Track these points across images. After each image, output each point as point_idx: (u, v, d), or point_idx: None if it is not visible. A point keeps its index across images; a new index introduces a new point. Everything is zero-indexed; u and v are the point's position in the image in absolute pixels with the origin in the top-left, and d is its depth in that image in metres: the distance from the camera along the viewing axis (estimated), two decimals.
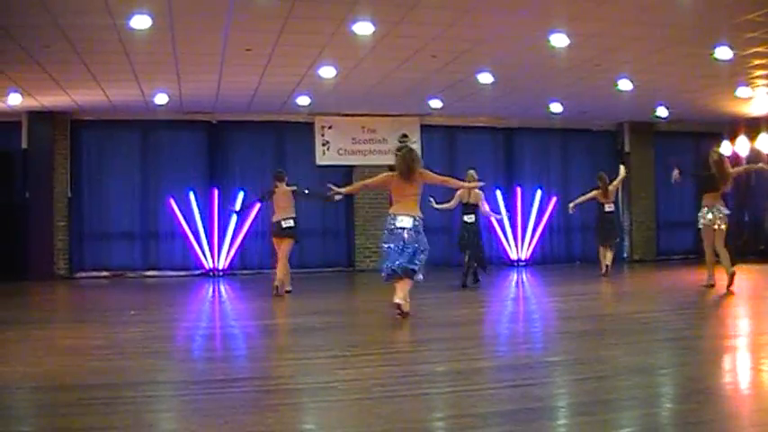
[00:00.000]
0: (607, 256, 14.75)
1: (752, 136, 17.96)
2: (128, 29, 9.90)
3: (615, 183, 15.09)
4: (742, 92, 14.86)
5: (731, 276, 11.09)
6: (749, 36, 10.84)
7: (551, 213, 18.86)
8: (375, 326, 8.99)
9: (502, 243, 18.49)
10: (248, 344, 8.11)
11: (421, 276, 8.96)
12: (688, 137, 19.71)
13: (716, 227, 11.39)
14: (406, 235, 8.86)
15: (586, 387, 5.44)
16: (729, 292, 10.89)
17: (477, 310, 10.51)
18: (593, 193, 14.99)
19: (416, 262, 8.81)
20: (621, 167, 15.52)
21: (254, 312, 10.84)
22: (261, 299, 12.11)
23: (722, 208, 11.53)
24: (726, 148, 18.60)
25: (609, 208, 15.06)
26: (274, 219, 12.32)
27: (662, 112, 17.31)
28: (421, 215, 9.15)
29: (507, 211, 17.97)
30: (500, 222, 18.17)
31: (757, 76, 13.59)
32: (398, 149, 9.85)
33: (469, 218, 13.22)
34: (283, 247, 12.19)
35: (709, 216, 11.45)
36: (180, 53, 11.42)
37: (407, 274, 8.79)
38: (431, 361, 6.55)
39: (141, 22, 9.65)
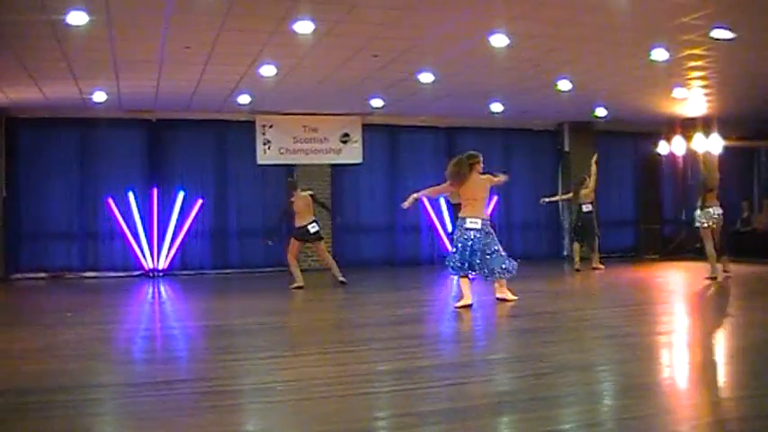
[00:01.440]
0: (581, 252, 15.66)
1: (688, 136, 18.30)
2: (64, 25, 9.74)
3: (591, 183, 15.85)
4: (678, 93, 15.12)
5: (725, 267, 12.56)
6: (685, 38, 11.03)
7: (493, 212, 18.97)
8: (316, 326, 8.98)
9: (443, 241, 18.57)
10: (188, 345, 8.04)
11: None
12: (626, 137, 20.04)
13: (714, 225, 12.40)
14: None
15: (525, 384, 5.50)
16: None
17: (420, 309, 10.55)
18: (570, 196, 16.04)
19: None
20: (593, 163, 16.03)
21: (194, 313, 10.75)
22: (202, 300, 12.03)
23: (718, 207, 12.49)
24: (663, 147, 18.97)
25: (586, 208, 15.59)
26: (299, 224, 13.11)
27: (601, 112, 17.54)
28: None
29: (449, 210, 18.16)
30: (441, 221, 18.29)
31: (693, 78, 13.84)
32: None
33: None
34: (319, 251, 13.67)
35: (714, 214, 12.36)
36: (118, 50, 11.26)
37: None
38: (372, 360, 6.55)
39: (78, 18, 9.48)
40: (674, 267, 15.97)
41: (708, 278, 12.33)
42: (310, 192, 13.44)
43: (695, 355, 6.69)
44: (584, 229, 15.79)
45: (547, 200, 16.27)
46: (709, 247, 12.34)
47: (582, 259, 15.58)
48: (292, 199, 13.11)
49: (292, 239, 13.26)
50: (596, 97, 15.97)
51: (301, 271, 13.14)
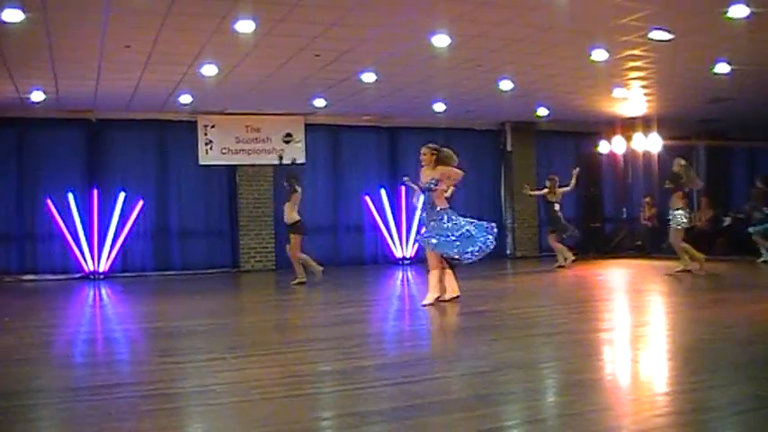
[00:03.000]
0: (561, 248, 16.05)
1: (628, 135, 18.60)
2: None
3: (569, 188, 16.38)
4: (618, 93, 15.36)
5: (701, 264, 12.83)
6: (623, 39, 11.21)
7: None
8: (257, 328, 8.93)
9: (386, 242, 18.62)
10: (129, 348, 7.94)
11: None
12: (568, 136, 20.30)
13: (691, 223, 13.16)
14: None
15: (466, 382, 5.53)
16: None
17: (362, 309, 10.55)
18: (545, 191, 16.31)
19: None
20: (574, 175, 16.44)
21: (135, 316, 10.62)
22: (142, 302, 11.89)
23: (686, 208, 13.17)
24: (604, 147, 19.24)
25: (557, 207, 16.15)
26: (298, 218, 13.36)
27: (542, 111, 17.73)
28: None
29: (392, 209, 18.29)
30: (384, 221, 18.35)
31: (632, 78, 14.07)
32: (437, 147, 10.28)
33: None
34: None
35: (688, 215, 13.15)
36: (56, 49, 11.08)
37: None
38: (313, 361, 6.53)
39: (13, 15, 9.31)
40: (616, 265, 16.21)
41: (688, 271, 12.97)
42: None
43: (635, 352, 6.79)
44: (554, 226, 16.16)
45: (531, 192, 16.82)
46: (683, 246, 12.97)
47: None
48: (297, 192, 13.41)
49: (294, 236, 13.32)
50: (538, 97, 16.14)
51: (246, 271, 13.17)
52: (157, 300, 12.17)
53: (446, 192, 10.33)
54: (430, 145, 10.20)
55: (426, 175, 9.99)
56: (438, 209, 9.88)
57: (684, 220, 12.83)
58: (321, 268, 13.40)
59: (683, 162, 13.31)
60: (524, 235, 19.92)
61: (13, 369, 6.41)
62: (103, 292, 13.96)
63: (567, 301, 10.72)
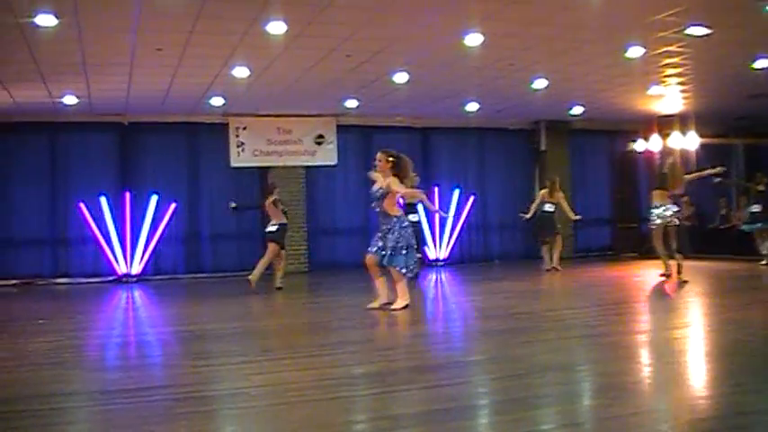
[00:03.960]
0: (552, 251, 15.71)
1: (664, 133, 18.44)
2: (32, 27, 9.68)
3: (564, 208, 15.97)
4: (654, 90, 15.23)
5: (680, 266, 12.21)
6: (659, 35, 11.12)
7: (469, 212, 19.05)
8: (290, 330, 8.94)
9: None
10: (162, 351, 7.99)
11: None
12: (602, 135, 20.18)
13: (670, 222, 12.28)
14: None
15: (502, 386, 5.50)
16: (682, 281, 11.94)
17: (396, 311, 10.53)
18: (541, 193, 15.95)
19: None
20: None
21: (168, 319, 10.69)
22: (175, 304, 11.97)
23: (672, 206, 12.38)
24: (639, 145, 19.10)
25: (549, 207, 15.72)
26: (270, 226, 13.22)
27: (577, 110, 17.64)
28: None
29: (425, 210, 18.24)
30: (418, 222, 18.32)
31: (668, 75, 13.95)
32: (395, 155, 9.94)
33: (414, 217, 14.03)
34: (269, 252, 13.26)
35: (666, 213, 12.27)
36: (88, 53, 11.20)
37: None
38: (346, 364, 6.53)
39: (46, 20, 9.44)
40: (652, 266, 16.06)
41: (662, 275, 12.52)
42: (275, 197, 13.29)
43: (673, 354, 6.71)
44: (543, 228, 15.84)
45: (528, 215, 16.25)
46: (662, 247, 12.44)
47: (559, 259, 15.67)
48: (272, 199, 13.14)
49: (276, 244, 13.25)
50: (572, 96, 16.06)
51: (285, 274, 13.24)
52: (189, 302, 12.24)
53: (412, 197, 10.40)
54: (387, 151, 9.97)
55: (378, 182, 9.87)
56: (391, 216, 9.78)
57: (657, 220, 12.41)
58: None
59: (670, 161, 12.97)
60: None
61: (46, 372, 6.47)
62: (136, 294, 14.08)
63: (602, 303, 10.64)
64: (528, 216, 16.07)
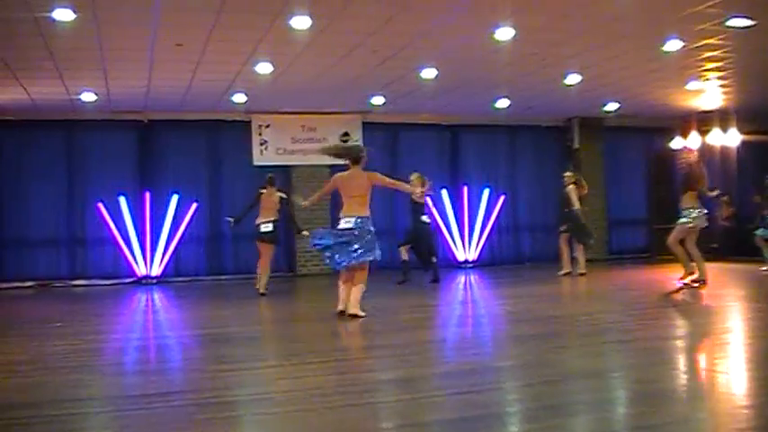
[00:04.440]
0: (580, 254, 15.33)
1: (703, 130, 18.30)
2: (50, 22, 9.76)
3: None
4: (693, 85, 15.13)
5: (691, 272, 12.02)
6: (699, 28, 11.04)
7: (499, 213, 19.00)
8: (315, 334, 8.95)
9: (449, 244, 18.58)
10: (182, 355, 8.03)
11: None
12: (639, 132, 20.05)
13: (699, 226, 12.06)
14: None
15: (534, 392, 5.48)
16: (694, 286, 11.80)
17: (423, 315, 10.54)
18: (575, 188, 15.42)
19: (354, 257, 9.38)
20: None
21: (188, 322, 10.73)
22: (196, 307, 12.02)
23: (703, 208, 12.20)
24: (677, 143, 18.96)
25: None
26: (257, 221, 12.84)
27: (611, 106, 17.55)
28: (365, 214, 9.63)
29: (454, 210, 18.25)
30: (446, 223, 18.33)
31: (708, 69, 13.84)
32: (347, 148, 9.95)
33: (426, 217, 14.28)
34: (266, 254, 13.01)
35: (697, 216, 12.05)
36: (106, 48, 11.28)
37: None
38: (374, 369, 6.54)
39: (64, 14, 9.52)
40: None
41: (695, 280, 12.16)
42: (283, 195, 13.17)
43: (713, 361, 6.66)
44: (585, 228, 15.57)
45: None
46: (677, 248, 12.23)
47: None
48: (261, 194, 12.94)
49: (272, 245, 13.16)
50: (606, 91, 15.98)
51: (302, 275, 13.19)
52: (211, 305, 12.28)
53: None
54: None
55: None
56: (363, 216, 9.71)
57: (686, 220, 12.20)
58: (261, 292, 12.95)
59: (691, 160, 12.85)
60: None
61: (64, 376, 6.51)
62: (156, 297, 14.15)
63: (639, 306, 10.56)
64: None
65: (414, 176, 13.78)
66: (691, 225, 11.96)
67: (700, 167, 12.51)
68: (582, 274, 14.91)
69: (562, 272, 15.15)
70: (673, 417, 4.75)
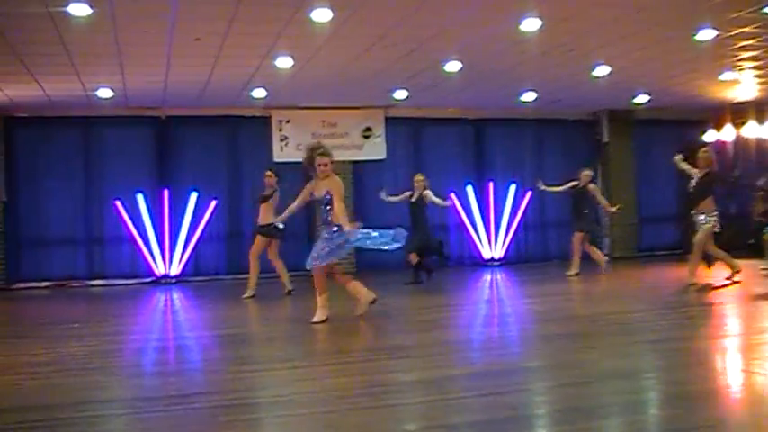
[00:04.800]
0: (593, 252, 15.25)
1: (738, 123, 18.18)
2: (65, 16, 9.81)
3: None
4: (727, 76, 15.01)
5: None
6: (733, 16, 10.93)
7: (526, 209, 18.94)
8: (337, 334, 8.97)
9: (474, 241, 18.56)
10: (203, 356, 8.08)
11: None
12: (670, 125, 19.86)
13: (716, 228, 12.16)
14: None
15: (563, 394, 5.48)
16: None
17: (447, 314, 10.54)
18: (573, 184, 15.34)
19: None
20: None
21: (208, 322, 10.79)
22: (216, 307, 12.06)
23: (715, 212, 12.25)
24: (710, 135, 18.83)
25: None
26: (269, 220, 12.81)
27: (641, 98, 17.45)
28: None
29: (479, 207, 18.22)
30: (471, 219, 18.30)
31: (743, 59, 13.72)
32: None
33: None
34: (274, 250, 13.31)
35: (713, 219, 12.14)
36: (123, 43, 11.32)
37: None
38: (397, 369, 6.55)
39: (80, 9, 9.55)
40: (724, 265, 15.83)
41: (728, 277, 12.32)
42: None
43: (749, 362, 6.63)
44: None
45: (545, 188, 16.05)
46: (714, 248, 12.37)
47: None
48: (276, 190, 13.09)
49: (259, 237, 13.20)
50: (636, 83, 15.89)
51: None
52: (231, 305, 12.33)
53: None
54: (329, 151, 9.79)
55: (321, 187, 9.69)
56: (335, 225, 9.59)
57: (710, 225, 12.16)
58: (291, 288, 13.02)
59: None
60: (622, 234, 19.61)
61: (82, 378, 6.57)
62: (175, 296, 14.22)
63: (670, 305, 10.51)
64: (544, 188, 16.09)
65: (418, 177, 14.07)
66: (714, 228, 12.00)
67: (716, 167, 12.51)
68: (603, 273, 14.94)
69: (572, 272, 14.96)
70: (707, 420, 4.74)
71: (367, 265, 16.45)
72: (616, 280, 14.23)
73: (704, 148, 12.46)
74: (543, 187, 16.09)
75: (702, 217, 12.10)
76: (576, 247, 15.16)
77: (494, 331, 9.22)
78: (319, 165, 9.62)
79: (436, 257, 14.71)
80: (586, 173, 15.29)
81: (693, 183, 12.45)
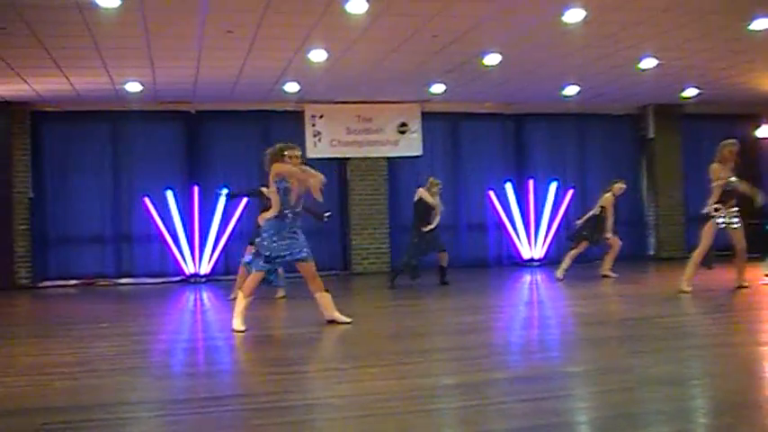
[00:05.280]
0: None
1: None
2: (93, 8, 9.88)
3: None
4: None
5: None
6: None
7: (567, 208, 18.85)
8: (373, 336, 8.97)
9: (513, 241, 18.50)
10: (234, 357, 8.09)
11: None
12: (720, 119, 19.66)
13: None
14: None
15: (609, 400, 5.43)
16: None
17: (487, 317, 10.49)
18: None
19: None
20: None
21: None
22: (248, 307, 12.10)
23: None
24: (764, 131, 18.64)
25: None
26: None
27: (690, 92, 17.32)
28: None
29: (519, 205, 18.14)
30: (510, 218, 18.24)
31: None
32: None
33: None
34: None
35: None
36: (153, 36, 11.40)
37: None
38: (437, 373, 6.54)
39: (108, 1, 9.64)
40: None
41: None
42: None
43: None
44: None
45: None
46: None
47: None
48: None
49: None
50: (685, 76, 15.77)
51: (358, 274, 13.19)
52: (263, 304, 12.35)
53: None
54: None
55: (302, 181, 9.52)
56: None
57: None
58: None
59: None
60: (669, 234, 19.47)
61: (110, 379, 6.61)
62: (204, 296, 14.29)
63: (722, 309, 10.40)
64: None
65: (432, 181, 14.13)
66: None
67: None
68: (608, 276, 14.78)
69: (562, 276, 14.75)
70: (762, 429, 4.68)
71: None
72: (664, 282, 14.12)
73: (730, 141, 11.99)
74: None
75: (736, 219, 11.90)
76: (576, 254, 14.96)
77: (535, 334, 9.17)
78: (292, 158, 9.47)
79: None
80: (619, 185, 15.04)
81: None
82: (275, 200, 9.27)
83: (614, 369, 6.46)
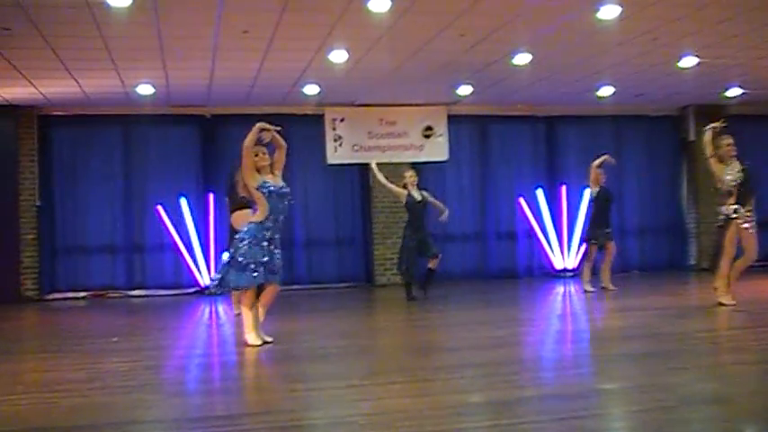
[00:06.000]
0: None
1: None
2: (104, 8, 9.94)
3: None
4: None
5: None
6: None
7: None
8: (399, 350, 8.99)
9: (545, 251, 18.44)
10: (251, 373, 8.12)
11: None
12: (766, 121, 19.57)
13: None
14: None
15: (648, 419, 5.41)
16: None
17: (517, 330, 10.47)
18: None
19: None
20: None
21: None
22: (265, 320, 12.12)
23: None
24: None
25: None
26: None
27: (734, 92, 17.24)
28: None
29: (551, 213, 18.08)
30: (541, 226, 18.19)
31: None
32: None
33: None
34: None
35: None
36: (166, 36, 11.46)
37: None
38: (465, 390, 6.53)
39: (119, 0, 9.69)
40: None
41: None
42: None
43: None
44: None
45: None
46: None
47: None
48: None
49: None
50: (728, 75, 15.68)
51: (381, 285, 13.19)
52: (282, 317, 12.37)
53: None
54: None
55: (278, 179, 9.76)
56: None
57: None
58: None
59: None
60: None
61: (122, 396, 6.63)
62: (220, 308, 14.29)
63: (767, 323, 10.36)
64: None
65: (412, 173, 14.18)
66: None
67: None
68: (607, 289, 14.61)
69: (591, 289, 14.43)
70: None
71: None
72: (705, 293, 14.03)
73: (724, 137, 11.67)
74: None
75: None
76: (590, 262, 14.79)
77: (568, 349, 9.15)
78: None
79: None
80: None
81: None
82: (262, 205, 9.43)
83: (653, 387, 6.42)
